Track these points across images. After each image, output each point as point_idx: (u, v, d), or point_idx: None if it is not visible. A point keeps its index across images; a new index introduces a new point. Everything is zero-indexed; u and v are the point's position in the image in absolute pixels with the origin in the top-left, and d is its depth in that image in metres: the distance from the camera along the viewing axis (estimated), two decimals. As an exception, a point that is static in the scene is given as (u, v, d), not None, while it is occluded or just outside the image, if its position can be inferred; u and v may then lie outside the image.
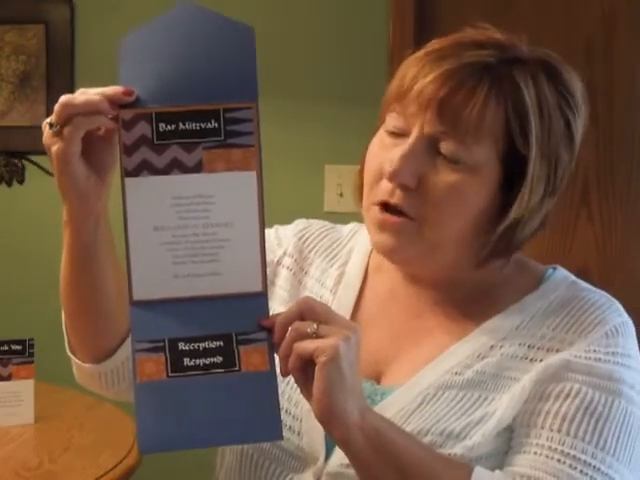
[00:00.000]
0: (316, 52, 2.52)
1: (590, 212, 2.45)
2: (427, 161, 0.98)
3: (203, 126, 0.89)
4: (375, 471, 0.91)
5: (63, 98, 0.89)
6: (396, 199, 0.99)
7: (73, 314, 1.06)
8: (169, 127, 0.89)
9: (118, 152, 0.90)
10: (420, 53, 1.02)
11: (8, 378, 1.81)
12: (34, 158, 2.64)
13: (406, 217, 0.99)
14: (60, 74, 2.62)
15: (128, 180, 0.89)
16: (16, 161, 2.67)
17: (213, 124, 0.89)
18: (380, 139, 1.03)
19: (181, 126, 0.89)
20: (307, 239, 1.18)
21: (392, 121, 1.01)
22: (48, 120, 0.90)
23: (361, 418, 0.89)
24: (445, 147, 0.97)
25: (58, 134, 0.89)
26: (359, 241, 1.17)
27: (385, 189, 1.00)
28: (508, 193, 0.99)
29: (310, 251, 1.17)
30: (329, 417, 0.88)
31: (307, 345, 0.87)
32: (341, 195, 2.49)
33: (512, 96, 0.97)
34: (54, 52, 2.62)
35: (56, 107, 0.90)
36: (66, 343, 1.11)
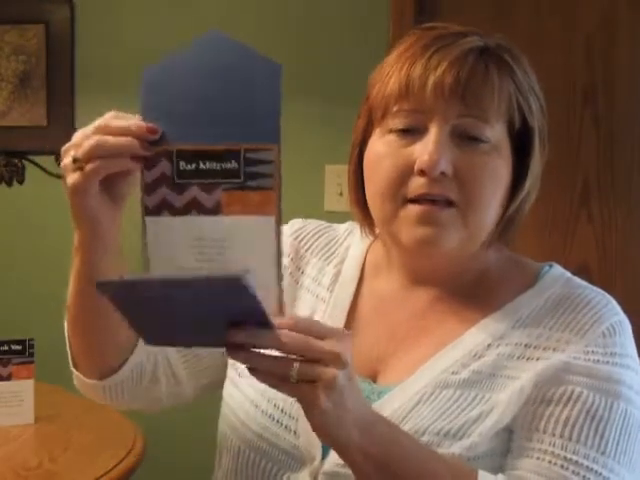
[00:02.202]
0: (316, 52, 2.52)
1: (590, 212, 2.45)
2: (455, 149, 0.99)
3: (223, 166, 0.86)
4: None
5: (95, 139, 0.87)
6: (438, 189, 0.98)
7: (79, 336, 1.06)
8: (189, 166, 0.87)
9: (134, 180, 0.89)
10: (405, 53, 1.01)
11: (8, 378, 1.81)
12: (34, 158, 2.63)
13: (449, 206, 0.99)
14: (60, 74, 2.61)
15: (149, 219, 0.88)
16: (16, 161, 2.66)
17: (233, 164, 0.86)
18: (384, 141, 1.02)
19: (201, 165, 0.87)
20: (303, 238, 1.18)
21: (397, 121, 1.01)
22: (73, 153, 0.88)
23: (360, 437, 0.87)
24: (472, 130, 0.99)
25: (80, 168, 0.88)
26: (355, 239, 1.17)
27: (419, 184, 0.99)
28: (515, 168, 1.03)
29: (306, 250, 1.17)
30: (325, 440, 0.89)
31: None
32: (341, 195, 2.49)
33: (511, 75, 1.01)
34: (54, 52, 2.62)
35: (85, 144, 0.87)
36: (69, 358, 1.10)
